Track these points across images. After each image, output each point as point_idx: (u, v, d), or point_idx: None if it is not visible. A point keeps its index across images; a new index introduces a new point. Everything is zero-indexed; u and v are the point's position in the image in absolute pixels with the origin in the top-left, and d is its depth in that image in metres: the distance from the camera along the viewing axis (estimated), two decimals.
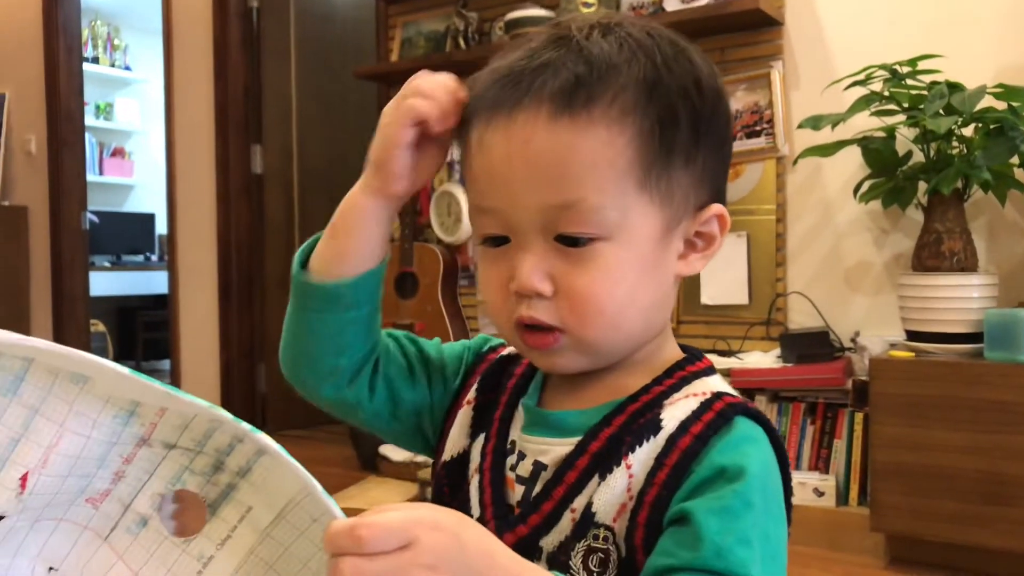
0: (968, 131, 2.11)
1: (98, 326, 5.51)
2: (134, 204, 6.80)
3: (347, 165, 4.18)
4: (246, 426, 0.44)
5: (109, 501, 0.47)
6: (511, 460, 0.63)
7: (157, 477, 0.46)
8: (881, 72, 2.14)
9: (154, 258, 6.66)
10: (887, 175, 2.23)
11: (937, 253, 2.10)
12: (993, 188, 2.11)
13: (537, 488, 0.60)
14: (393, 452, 2.97)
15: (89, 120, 4.86)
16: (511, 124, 0.56)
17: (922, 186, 2.20)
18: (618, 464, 0.57)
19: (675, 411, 0.58)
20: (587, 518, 0.57)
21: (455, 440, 0.69)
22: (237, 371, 3.93)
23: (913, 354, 2.11)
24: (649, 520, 0.54)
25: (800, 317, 2.56)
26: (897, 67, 2.12)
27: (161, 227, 6.61)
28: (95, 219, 5.03)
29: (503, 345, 0.73)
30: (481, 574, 0.43)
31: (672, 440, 0.56)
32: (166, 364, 6.28)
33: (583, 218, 0.56)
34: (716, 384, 0.61)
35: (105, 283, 5.81)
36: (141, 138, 6.78)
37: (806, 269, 2.57)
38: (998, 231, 2.31)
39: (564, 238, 0.56)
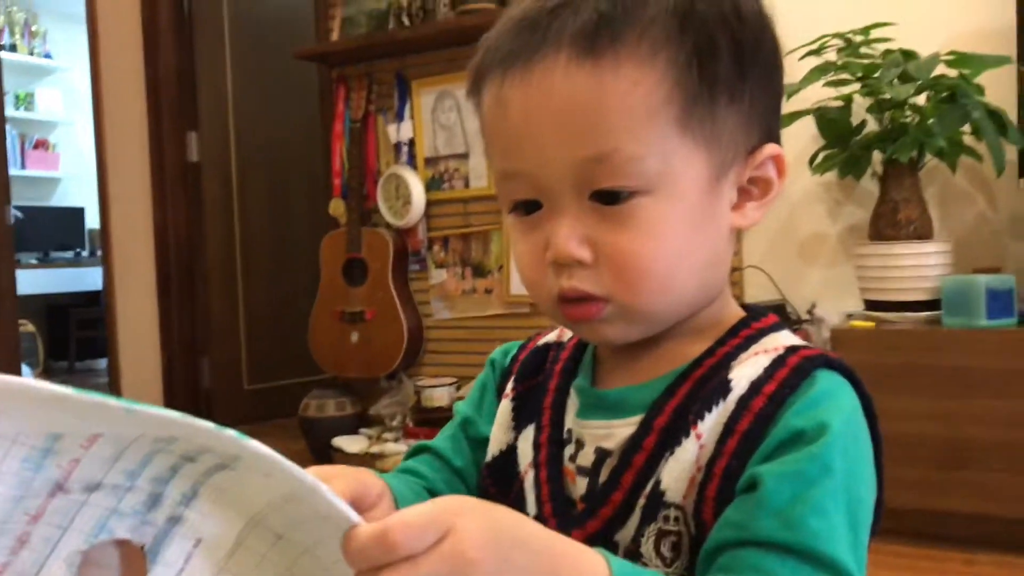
0: (920, 100, 2.11)
1: (27, 326, 5.28)
2: (61, 198, 6.53)
3: (287, 149, 4.07)
4: (230, 433, 0.34)
5: None
6: (569, 450, 0.57)
7: (73, 531, 0.36)
8: (835, 41, 2.14)
9: (85, 254, 6.41)
10: (841, 145, 2.23)
11: (894, 222, 2.11)
12: (946, 156, 2.12)
13: (603, 477, 0.54)
14: (347, 443, 2.89)
15: (8, 111, 4.63)
16: (529, 75, 0.51)
17: (876, 156, 2.20)
18: (687, 435, 0.51)
19: (745, 370, 0.52)
20: (656, 497, 0.51)
21: (497, 438, 0.63)
22: (179, 366, 3.80)
23: (873, 324, 2.12)
24: (719, 493, 0.49)
25: (756, 291, 2.55)
26: (851, 36, 2.12)
27: (92, 221, 6.37)
28: (19, 215, 4.80)
29: (532, 341, 0.68)
30: (526, 543, 0.39)
31: (743, 403, 0.50)
32: (102, 363, 6.07)
33: (620, 170, 0.50)
34: (787, 339, 0.55)
35: (32, 281, 5.56)
36: (66, 129, 6.51)
37: (761, 242, 2.56)
38: (949, 199, 2.33)
39: (601, 195, 0.51)
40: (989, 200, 2.32)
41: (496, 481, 0.62)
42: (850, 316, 2.27)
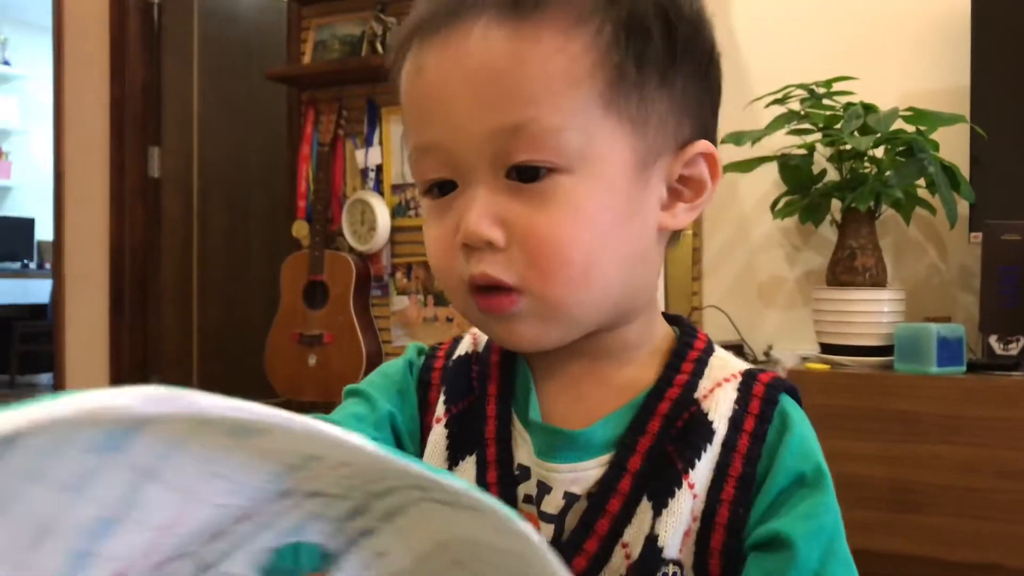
0: (879, 152, 2.19)
1: None
2: (11, 208, 6.39)
3: (248, 169, 4.05)
4: (475, 494, 0.30)
5: (183, 562, 0.32)
6: (525, 490, 0.53)
7: (270, 529, 0.33)
8: (799, 91, 2.20)
9: (32, 265, 6.27)
10: (802, 192, 2.30)
11: (851, 268, 2.17)
12: (902, 207, 2.19)
13: (573, 523, 0.51)
14: None
15: None
16: (448, 39, 0.48)
17: (835, 204, 2.27)
18: (679, 485, 0.50)
19: (720, 408, 0.51)
20: (654, 554, 0.49)
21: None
22: (129, 384, 3.71)
23: (828, 367, 2.17)
24: (726, 546, 0.48)
25: (715, 331, 2.60)
26: (814, 87, 2.19)
27: (41, 233, 6.23)
28: None
29: (442, 348, 0.62)
30: None
31: (729, 445, 0.50)
32: (44, 378, 5.91)
33: (538, 142, 0.46)
34: (729, 359, 0.55)
35: None
36: (20, 138, 6.40)
37: (721, 283, 2.62)
38: (903, 248, 2.41)
39: (518, 171, 0.47)
40: (940, 251, 2.40)
41: None
42: (805, 359, 2.32)
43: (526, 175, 0.47)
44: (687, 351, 0.55)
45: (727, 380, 0.53)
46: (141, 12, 3.69)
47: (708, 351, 0.55)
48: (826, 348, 2.22)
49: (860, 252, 2.16)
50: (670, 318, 0.58)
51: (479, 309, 0.50)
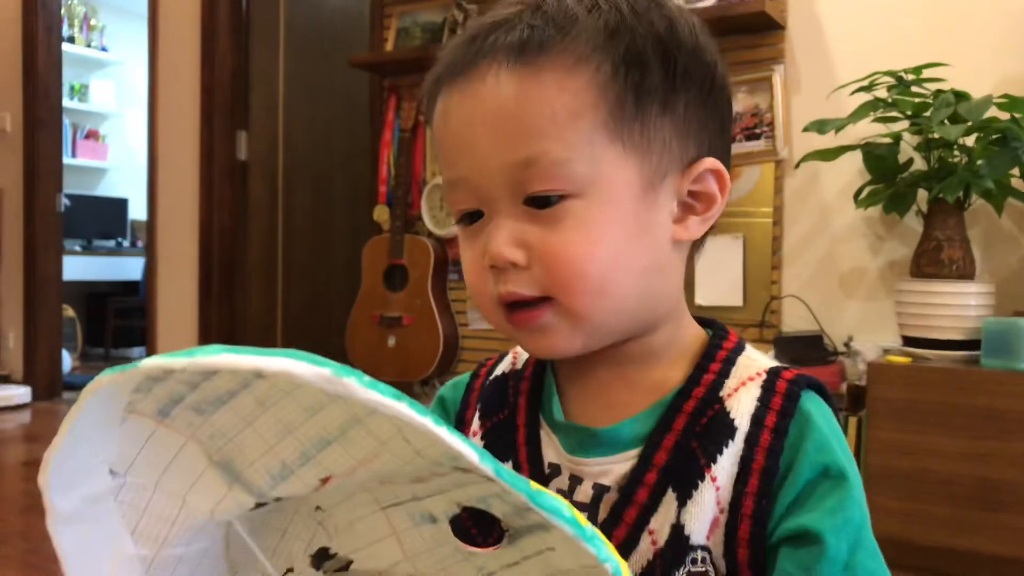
0: (970, 140, 2.13)
1: (68, 311, 5.39)
2: (107, 188, 6.67)
3: (332, 154, 4.15)
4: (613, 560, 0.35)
5: (399, 486, 0.41)
6: (558, 485, 0.57)
7: (461, 489, 0.40)
8: (885, 78, 2.15)
9: (126, 244, 6.54)
10: (887, 182, 2.25)
11: (936, 260, 2.12)
12: (993, 197, 2.13)
13: (603, 513, 0.55)
14: None
15: (64, 101, 4.75)
16: (467, 84, 0.53)
17: (921, 194, 2.21)
18: (701, 478, 0.53)
19: (742, 405, 0.54)
20: (681, 541, 0.52)
21: None
22: None
23: (910, 359, 2.13)
24: (752, 534, 0.51)
25: (794, 320, 2.57)
26: (903, 74, 2.13)
27: (134, 212, 6.49)
28: (67, 202, 4.92)
29: (483, 368, 0.68)
30: None
31: (751, 440, 0.53)
32: (136, 352, 6.17)
33: (548, 173, 0.51)
34: (759, 358, 0.58)
35: (75, 268, 5.69)
36: (116, 121, 6.65)
37: (801, 273, 2.58)
38: (994, 240, 2.33)
39: (534, 199, 0.52)
40: None
41: None
42: (887, 351, 2.27)
43: (540, 202, 0.52)
44: (716, 352, 0.58)
45: (751, 379, 0.56)
46: (231, 0, 3.80)
47: (737, 350, 0.58)
48: (908, 341, 2.18)
49: (947, 244, 2.11)
50: (704, 321, 0.62)
51: (510, 324, 0.55)
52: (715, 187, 0.56)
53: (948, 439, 2.02)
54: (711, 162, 0.56)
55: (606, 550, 0.35)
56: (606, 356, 0.57)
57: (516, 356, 0.66)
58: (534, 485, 0.35)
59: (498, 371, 0.66)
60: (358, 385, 0.32)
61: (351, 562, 0.46)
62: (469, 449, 0.34)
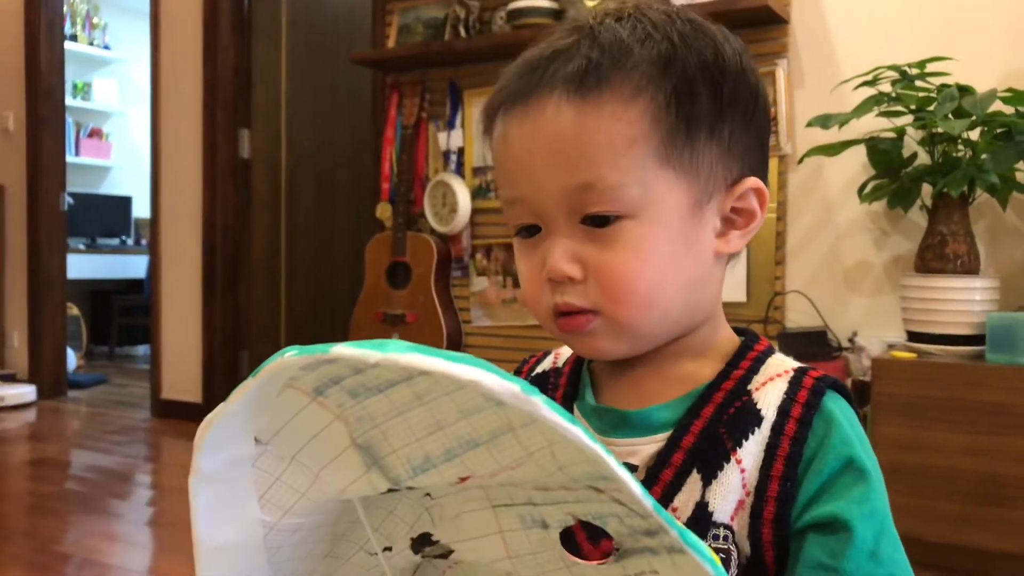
0: (974, 134, 2.12)
1: (72, 310, 5.40)
2: (110, 186, 6.67)
3: (335, 150, 4.15)
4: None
5: (518, 489, 0.43)
6: None
7: (582, 504, 0.42)
8: (889, 73, 2.14)
9: (130, 242, 6.54)
10: (891, 176, 2.24)
11: (941, 255, 2.11)
12: (997, 192, 2.12)
13: None
14: None
15: (67, 99, 4.75)
16: (527, 112, 0.57)
17: (926, 188, 2.20)
18: (727, 460, 0.56)
19: (769, 397, 0.57)
20: (704, 518, 0.55)
21: None
22: (220, 358, 3.87)
23: (914, 355, 2.12)
24: (777, 515, 0.54)
25: (798, 316, 2.56)
26: (907, 68, 2.12)
27: (137, 210, 6.50)
28: (70, 200, 4.93)
29: (527, 364, 0.72)
30: None
31: (777, 429, 0.55)
32: (140, 350, 6.19)
33: (604, 197, 0.55)
34: (786, 360, 0.61)
35: (79, 266, 5.70)
36: (119, 119, 6.66)
37: (805, 268, 2.57)
38: (998, 234, 2.33)
39: (590, 219, 0.56)
40: None
41: None
42: (891, 346, 2.27)
43: (597, 222, 0.56)
44: (747, 352, 0.61)
45: (779, 375, 0.58)
46: None
47: (767, 353, 0.61)
48: (913, 336, 2.17)
49: (951, 238, 2.10)
50: (739, 331, 0.65)
51: (561, 330, 0.59)
52: (756, 204, 0.60)
53: (953, 435, 2.01)
54: (753, 181, 0.59)
55: None
56: (644, 354, 0.61)
57: (558, 355, 0.70)
58: (679, 521, 0.37)
59: (539, 369, 0.70)
60: (543, 404, 0.34)
61: (451, 551, 0.48)
62: (634, 484, 0.35)
